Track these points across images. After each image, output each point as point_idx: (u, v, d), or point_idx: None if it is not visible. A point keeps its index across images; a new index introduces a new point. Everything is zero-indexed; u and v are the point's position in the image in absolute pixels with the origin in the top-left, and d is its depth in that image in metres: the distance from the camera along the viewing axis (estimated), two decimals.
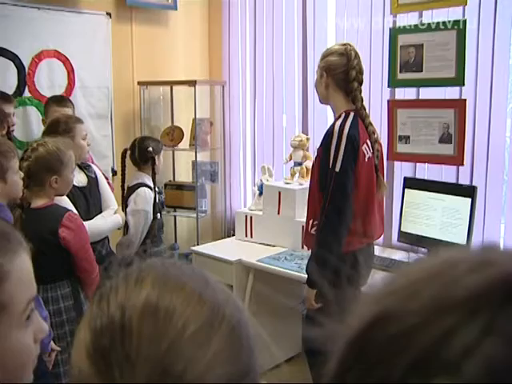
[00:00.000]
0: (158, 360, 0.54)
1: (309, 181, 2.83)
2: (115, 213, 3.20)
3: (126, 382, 0.54)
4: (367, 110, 3.59)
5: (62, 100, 3.51)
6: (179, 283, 0.61)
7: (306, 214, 2.76)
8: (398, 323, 0.37)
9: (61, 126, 3.00)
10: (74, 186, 2.92)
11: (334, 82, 2.62)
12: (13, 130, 3.27)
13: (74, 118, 3.10)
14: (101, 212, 3.13)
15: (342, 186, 2.49)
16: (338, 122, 2.55)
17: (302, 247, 3.30)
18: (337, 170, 2.48)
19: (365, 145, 2.58)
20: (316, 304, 2.56)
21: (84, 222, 2.85)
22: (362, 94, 2.67)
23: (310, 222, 2.66)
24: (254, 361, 0.62)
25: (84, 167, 3.13)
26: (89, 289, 2.54)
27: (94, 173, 3.18)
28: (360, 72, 2.64)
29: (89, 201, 3.06)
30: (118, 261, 0.65)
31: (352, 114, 2.59)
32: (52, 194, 2.54)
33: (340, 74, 2.61)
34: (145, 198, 3.39)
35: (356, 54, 2.64)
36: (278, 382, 2.98)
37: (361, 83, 2.65)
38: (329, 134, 2.55)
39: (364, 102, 2.68)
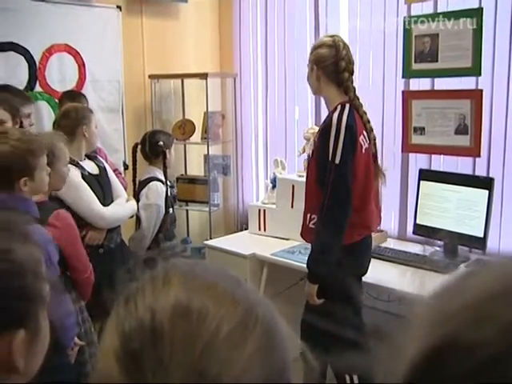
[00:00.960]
0: (193, 364, 0.52)
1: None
2: (127, 201, 3.25)
3: None
4: (381, 101, 3.60)
5: (75, 96, 3.50)
6: (209, 283, 0.59)
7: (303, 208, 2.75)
8: (472, 353, 0.32)
9: (71, 114, 3.03)
10: (89, 173, 3.03)
11: (325, 74, 2.62)
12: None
13: (84, 108, 3.13)
14: (112, 201, 3.16)
15: (343, 179, 2.48)
16: (336, 114, 2.53)
17: None
18: (336, 162, 2.46)
19: (361, 136, 2.58)
20: (318, 300, 2.57)
21: (104, 208, 2.98)
22: (355, 84, 2.67)
23: (308, 215, 2.66)
24: (287, 361, 0.59)
25: (92, 157, 3.17)
26: (82, 289, 2.53)
27: (102, 163, 3.23)
28: (350, 62, 2.62)
29: (103, 188, 3.11)
30: (142, 261, 0.63)
31: (347, 105, 2.58)
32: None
33: (330, 66, 2.60)
34: (156, 192, 3.38)
35: (344, 44, 2.64)
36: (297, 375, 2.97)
37: (352, 73, 2.65)
38: (327, 126, 2.53)
39: (357, 92, 2.67)
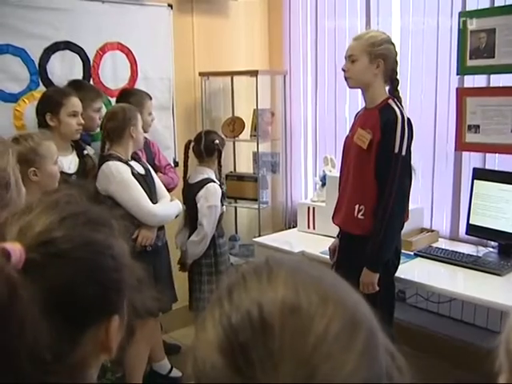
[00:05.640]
0: (305, 360, 0.52)
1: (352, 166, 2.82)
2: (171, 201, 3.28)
3: (268, 380, 0.51)
4: (434, 99, 3.57)
5: (130, 94, 3.54)
6: (315, 281, 0.59)
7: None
8: None
9: (118, 116, 3.07)
10: (138, 172, 3.06)
11: (386, 69, 2.70)
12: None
13: (131, 108, 3.15)
14: (157, 201, 3.18)
15: (408, 170, 2.63)
16: (397, 108, 2.64)
17: None
18: (403, 153, 2.58)
19: None
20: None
21: (155, 206, 3.05)
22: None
23: (357, 206, 2.72)
24: (385, 366, 0.59)
25: (136, 159, 3.19)
26: None
27: (146, 164, 3.26)
28: None
29: (150, 188, 3.14)
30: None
31: (395, 100, 2.71)
32: (35, 188, 2.23)
33: (393, 63, 2.72)
34: (215, 194, 3.41)
35: None
36: None
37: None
38: (392, 119, 2.61)
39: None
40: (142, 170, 3.15)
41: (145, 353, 3.30)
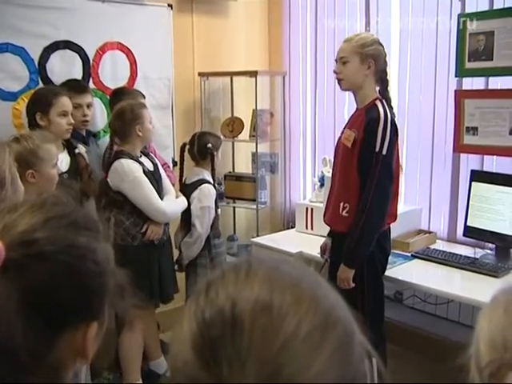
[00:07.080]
0: (271, 359, 0.52)
1: (339, 165, 2.87)
2: (176, 197, 3.35)
3: (234, 378, 0.52)
4: (432, 101, 3.57)
5: (125, 93, 3.53)
6: (292, 282, 0.59)
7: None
8: None
9: (124, 116, 3.07)
10: (148, 170, 3.14)
11: (376, 70, 2.74)
12: (85, 121, 3.32)
13: (136, 105, 3.16)
14: (163, 196, 3.26)
15: (389, 169, 2.63)
16: (381, 109, 2.66)
17: None
18: (384, 153, 2.60)
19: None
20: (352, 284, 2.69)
21: (164, 203, 3.13)
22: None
23: (341, 204, 2.77)
24: (362, 367, 0.59)
25: (145, 154, 3.26)
26: None
27: (154, 159, 3.33)
28: None
29: (158, 182, 3.22)
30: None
31: (383, 100, 2.73)
32: (32, 190, 2.17)
33: (383, 63, 2.76)
34: (209, 195, 3.42)
35: None
36: None
37: None
38: (374, 119, 2.64)
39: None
40: (150, 166, 3.22)
41: (138, 344, 3.33)
